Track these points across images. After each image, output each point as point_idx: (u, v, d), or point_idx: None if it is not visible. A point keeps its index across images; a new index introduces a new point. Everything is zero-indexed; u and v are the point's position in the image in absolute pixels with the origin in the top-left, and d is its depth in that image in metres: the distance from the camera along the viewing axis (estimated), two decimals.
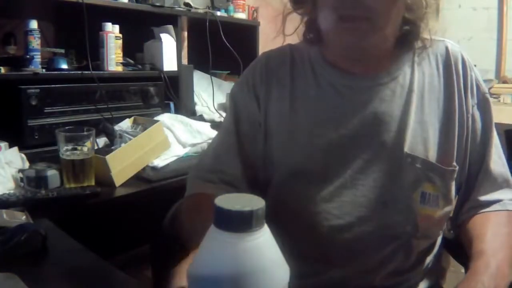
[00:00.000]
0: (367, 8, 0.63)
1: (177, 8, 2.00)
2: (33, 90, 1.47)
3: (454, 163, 0.73)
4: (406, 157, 0.70)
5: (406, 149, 0.70)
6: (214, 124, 1.83)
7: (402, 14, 0.68)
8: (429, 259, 0.79)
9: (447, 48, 0.76)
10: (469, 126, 0.74)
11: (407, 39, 0.72)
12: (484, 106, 0.76)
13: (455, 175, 0.74)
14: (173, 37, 2.00)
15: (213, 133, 1.67)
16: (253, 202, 0.37)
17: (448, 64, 0.75)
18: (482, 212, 0.75)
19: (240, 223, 0.36)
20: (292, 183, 0.75)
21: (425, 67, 0.75)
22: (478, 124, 0.75)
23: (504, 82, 2.79)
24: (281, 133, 0.76)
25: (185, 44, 2.09)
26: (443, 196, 0.73)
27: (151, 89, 1.90)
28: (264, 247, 0.37)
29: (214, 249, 0.37)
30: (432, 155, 0.71)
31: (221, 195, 0.38)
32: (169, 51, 1.99)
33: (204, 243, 0.38)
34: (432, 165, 0.71)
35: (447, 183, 0.73)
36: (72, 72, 1.65)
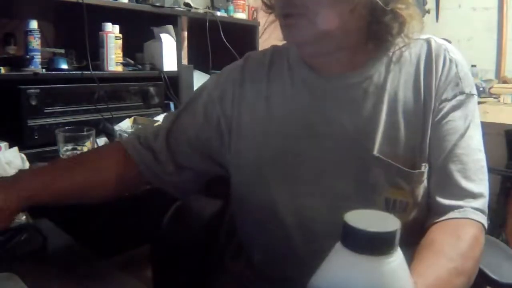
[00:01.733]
0: (299, 5, 0.65)
1: (177, 8, 2.00)
2: (33, 90, 1.47)
3: (425, 164, 0.69)
4: (375, 160, 0.68)
5: (375, 151, 0.68)
6: None
7: (350, 8, 0.65)
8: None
9: (429, 44, 0.72)
10: (435, 118, 0.70)
11: (378, 36, 0.69)
12: (456, 105, 0.70)
13: (424, 177, 0.69)
14: (173, 37, 2.00)
15: None
16: (387, 221, 0.34)
17: (429, 60, 0.71)
18: (437, 222, 0.67)
19: (379, 245, 0.33)
20: (258, 183, 0.75)
21: (403, 66, 0.72)
22: (445, 119, 0.70)
23: (504, 82, 2.79)
24: (254, 134, 0.76)
25: (185, 44, 2.09)
26: (411, 201, 0.69)
27: (151, 89, 1.90)
28: (399, 271, 0.34)
29: (346, 272, 0.34)
30: (402, 157, 0.68)
31: (349, 213, 0.35)
32: (169, 51, 1.99)
33: (331, 264, 0.35)
34: (397, 169, 0.68)
35: (414, 187, 0.69)
36: (72, 72, 1.65)
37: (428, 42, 0.73)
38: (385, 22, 0.67)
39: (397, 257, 0.34)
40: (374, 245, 0.33)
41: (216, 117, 0.79)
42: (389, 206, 0.68)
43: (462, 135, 0.69)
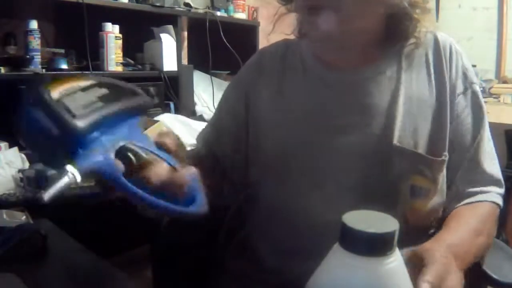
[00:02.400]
0: None
1: (177, 8, 2.00)
2: None
3: (445, 153, 0.72)
4: (395, 150, 0.69)
5: (395, 141, 0.70)
6: None
7: (381, 10, 0.68)
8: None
9: (435, 37, 0.75)
10: (454, 112, 0.73)
11: (394, 35, 0.72)
12: (471, 96, 0.75)
13: (444, 166, 0.73)
14: (173, 37, 2.00)
15: None
16: (385, 222, 0.34)
17: (438, 52, 0.74)
18: (462, 205, 0.74)
19: (376, 246, 0.33)
20: (278, 175, 0.75)
21: (414, 59, 0.74)
22: (464, 113, 0.74)
23: (504, 82, 2.79)
24: (271, 128, 0.77)
25: (185, 44, 2.09)
26: (433, 188, 0.73)
27: (151, 89, 1.90)
28: (398, 272, 0.34)
29: (343, 273, 0.33)
30: (422, 146, 0.71)
31: (347, 214, 0.35)
32: (169, 51, 1.99)
33: (329, 265, 0.35)
34: (421, 157, 0.70)
35: (437, 174, 0.72)
36: (72, 72, 1.65)
37: (434, 35, 0.76)
38: (403, 23, 0.69)
39: (396, 258, 0.34)
40: (372, 246, 0.33)
41: (243, 115, 0.81)
42: (414, 193, 0.71)
43: (481, 126, 0.75)
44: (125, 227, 1.65)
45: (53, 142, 0.45)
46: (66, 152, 0.46)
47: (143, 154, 0.51)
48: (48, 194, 0.42)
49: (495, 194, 0.75)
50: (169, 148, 0.54)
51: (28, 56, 1.49)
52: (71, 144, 0.45)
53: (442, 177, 0.74)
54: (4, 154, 1.27)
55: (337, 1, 0.64)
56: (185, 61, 2.10)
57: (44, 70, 1.56)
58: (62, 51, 1.75)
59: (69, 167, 0.44)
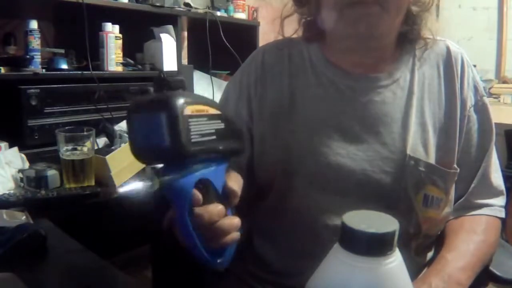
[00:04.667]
0: None
1: (177, 8, 2.00)
2: (33, 90, 1.47)
3: (455, 165, 0.73)
4: (409, 160, 0.69)
5: (409, 151, 0.69)
6: None
7: (407, 6, 0.69)
8: (430, 254, 0.80)
9: (448, 48, 0.76)
10: (464, 126, 0.74)
11: (408, 37, 0.72)
12: (481, 109, 0.75)
13: (456, 177, 0.74)
14: (173, 37, 2.00)
15: None
16: (385, 222, 0.34)
17: (449, 64, 0.74)
18: (470, 215, 0.77)
19: (377, 246, 0.33)
20: (290, 182, 0.74)
21: (425, 68, 0.74)
22: (475, 126, 0.75)
23: (504, 82, 2.79)
24: (278, 132, 0.75)
25: (185, 44, 2.09)
26: (445, 198, 0.73)
27: (151, 89, 1.90)
28: (398, 272, 0.34)
29: (344, 273, 0.33)
30: (432, 157, 0.71)
31: (347, 214, 0.35)
32: (169, 51, 1.99)
33: (329, 265, 0.35)
34: (435, 168, 0.70)
35: (449, 186, 0.73)
36: (72, 72, 1.65)
37: (446, 45, 0.76)
38: (417, 24, 0.70)
39: (396, 258, 0.34)
40: (372, 246, 0.33)
41: (246, 119, 0.78)
42: (427, 202, 0.71)
43: (491, 139, 0.77)
44: (125, 227, 1.65)
45: (158, 148, 0.47)
46: (163, 160, 0.50)
47: (216, 193, 0.52)
48: None
49: (498, 208, 0.78)
50: (235, 196, 0.55)
51: (28, 56, 1.49)
52: (172, 158, 0.48)
53: (453, 188, 0.75)
54: (4, 154, 1.26)
55: None
56: (185, 61, 2.10)
57: (44, 70, 1.56)
58: (62, 51, 1.74)
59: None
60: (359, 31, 0.66)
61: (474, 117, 0.75)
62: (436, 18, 0.72)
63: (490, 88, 2.62)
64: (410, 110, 0.71)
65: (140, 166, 1.41)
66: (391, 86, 0.72)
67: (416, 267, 0.77)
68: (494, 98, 2.54)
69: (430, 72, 0.74)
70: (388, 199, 0.69)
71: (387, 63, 0.74)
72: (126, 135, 1.51)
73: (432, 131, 0.72)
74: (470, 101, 0.74)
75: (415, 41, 0.73)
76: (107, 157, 1.27)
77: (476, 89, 0.75)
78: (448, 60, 0.75)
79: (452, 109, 0.73)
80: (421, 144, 0.71)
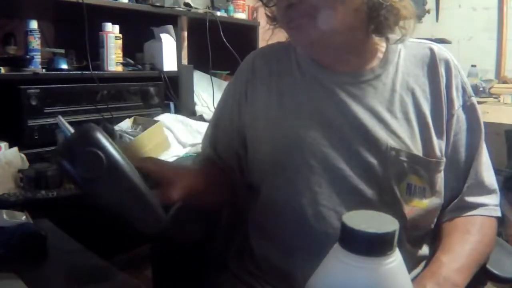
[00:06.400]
0: (303, 4, 0.67)
1: (177, 8, 2.00)
2: (33, 90, 1.47)
3: (441, 156, 0.74)
4: (390, 151, 0.71)
5: (390, 143, 0.71)
6: None
7: (355, 4, 0.68)
8: (424, 248, 0.80)
9: (432, 51, 0.77)
10: (452, 125, 0.76)
11: (377, 28, 0.72)
12: (470, 109, 0.77)
13: (442, 167, 0.75)
14: (173, 37, 2.00)
15: None
16: (385, 222, 0.34)
17: (433, 65, 0.76)
18: (465, 216, 0.77)
19: (376, 246, 0.33)
20: (278, 176, 0.76)
21: (410, 67, 0.76)
22: (464, 125, 0.77)
23: (504, 82, 2.79)
24: (269, 127, 0.78)
25: (185, 44, 2.09)
26: (430, 188, 0.74)
27: (151, 89, 1.90)
28: (398, 272, 0.34)
29: (344, 273, 0.33)
30: (418, 149, 0.73)
31: (347, 214, 0.35)
32: (169, 51, 1.99)
33: (329, 265, 0.35)
34: (416, 157, 0.72)
35: (433, 175, 0.74)
36: (72, 72, 1.65)
37: (430, 48, 0.78)
38: (383, 15, 0.70)
39: (396, 258, 0.34)
40: (372, 246, 0.33)
41: (240, 119, 0.83)
42: (410, 191, 0.73)
43: (480, 138, 0.78)
44: (125, 227, 1.65)
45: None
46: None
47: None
48: None
49: (493, 207, 0.79)
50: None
51: (28, 56, 1.49)
52: None
53: (440, 178, 0.76)
54: (4, 154, 1.26)
55: (308, 7, 0.66)
56: (185, 61, 2.10)
57: (44, 70, 1.56)
58: (62, 51, 1.74)
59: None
60: (299, 42, 0.74)
61: (462, 117, 0.76)
62: (413, 11, 0.72)
63: (490, 88, 2.62)
64: (393, 106, 0.74)
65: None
66: (372, 82, 0.75)
67: (412, 260, 0.78)
68: (494, 98, 2.54)
69: (415, 72, 0.76)
70: (372, 189, 0.71)
71: (368, 60, 0.76)
72: (126, 135, 1.52)
73: (418, 126, 0.73)
74: (458, 101, 0.76)
75: (390, 33, 0.74)
76: None
77: (464, 90, 0.77)
78: (432, 61, 0.76)
79: (438, 106, 0.75)
80: (406, 137, 0.72)
